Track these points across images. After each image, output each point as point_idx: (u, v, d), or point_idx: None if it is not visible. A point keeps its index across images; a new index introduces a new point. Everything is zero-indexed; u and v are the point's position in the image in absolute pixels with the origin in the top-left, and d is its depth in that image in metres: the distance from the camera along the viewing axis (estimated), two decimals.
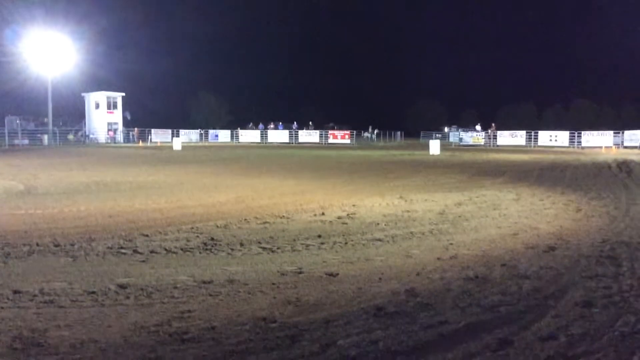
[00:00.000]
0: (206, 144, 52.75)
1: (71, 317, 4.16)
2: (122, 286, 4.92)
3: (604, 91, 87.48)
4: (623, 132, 43.27)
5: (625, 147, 39.88)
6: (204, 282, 5.09)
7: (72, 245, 6.55)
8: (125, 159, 25.61)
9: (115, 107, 52.88)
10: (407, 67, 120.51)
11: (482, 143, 47.98)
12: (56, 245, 6.51)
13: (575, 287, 4.93)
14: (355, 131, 55.32)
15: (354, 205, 10.10)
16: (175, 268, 5.62)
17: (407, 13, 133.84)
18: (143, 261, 5.91)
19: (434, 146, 31.43)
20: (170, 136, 52.42)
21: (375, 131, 62.06)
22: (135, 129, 53.57)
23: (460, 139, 51.13)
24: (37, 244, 6.54)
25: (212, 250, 6.43)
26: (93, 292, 4.75)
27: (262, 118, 63.49)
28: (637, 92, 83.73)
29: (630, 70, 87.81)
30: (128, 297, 4.65)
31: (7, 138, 41.87)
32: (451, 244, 6.90)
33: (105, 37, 63.38)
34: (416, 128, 73.15)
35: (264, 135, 56.03)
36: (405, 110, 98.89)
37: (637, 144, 39.39)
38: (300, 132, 55.80)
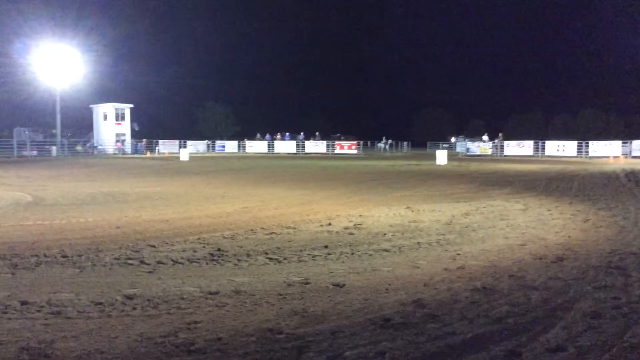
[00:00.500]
0: (213, 154, 52.92)
1: (78, 328, 4.17)
2: (128, 297, 4.93)
3: (612, 100, 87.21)
4: (631, 142, 43.05)
5: (634, 157, 39.64)
6: (211, 293, 5.09)
7: (80, 256, 6.57)
8: (132, 170, 25.72)
9: (123, 118, 53.20)
10: (414, 77, 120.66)
11: (489, 153, 47.88)
12: (64, 256, 6.53)
13: (583, 298, 4.90)
14: (361, 141, 55.36)
15: (360, 216, 10.09)
16: (182, 279, 5.63)
17: (413, 24, 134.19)
18: (150, 272, 5.92)
19: (441, 156, 31.37)
20: (177, 147, 52.60)
21: (389, 141, 61.95)
22: (144, 140, 53.89)
23: (467, 149, 51.04)
24: (45, 255, 6.57)
25: (219, 261, 6.44)
26: (100, 303, 4.76)
27: (269, 128, 63.70)
28: None
29: (639, 78, 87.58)
30: (135, 308, 4.65)
31: (15, 149, 42.20)
32: (458, 254, 6.87)
33: (113, 49, 63.94)
34: (423, 138, 73.17)
35: (270, 146, 56.17)
36: (412, 121, 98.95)
37: None
38: (307, 142, 55.90)
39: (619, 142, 43.88)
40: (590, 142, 44.58)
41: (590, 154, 42.99)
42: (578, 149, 44.27)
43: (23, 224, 9.02)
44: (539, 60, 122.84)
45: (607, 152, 42.15)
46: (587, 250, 7.05)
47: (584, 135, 57.39)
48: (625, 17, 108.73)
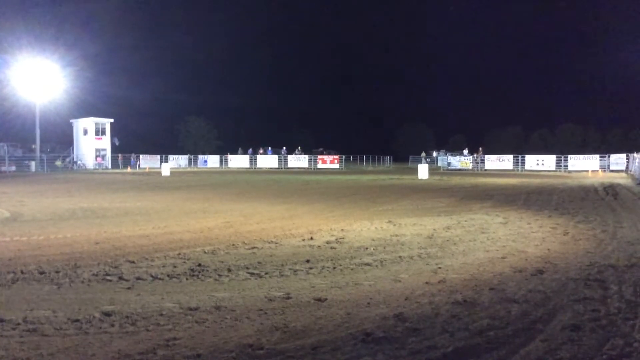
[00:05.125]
0: (195, 169, 52.65)
1: (55, 346, 4.09)
2: (106, 314, 4.85)
3: (590, 115, 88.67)
4: (609, 156, 43.74)
5: (612, 171, 40.27)
6: (190, 309, 5.04)
7: (57, 272, 6.47)
8: (112, 185, 25.47)
9: (103, 133, 52.78)
10: (395, 92, 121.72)
11: (470, 167, 48.27)
12: (41, 273, 6.43)
13: (563, 311, 4.93)
14: (343, 156, 55.45)
15: (342, 230, 10.08)
16: (161, 295, 5.56)
17: (394, 39, 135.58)
18: (128, 288, 5.85)
19: (423, 170, 31.55)
20: (159, 162, 52.30)
21: (424, 155, 63.04)
22: (119, 155, 53.35)
23: (449, 163, 51.43)
24: (22, 272, 6.46)
25: (199, 277, 6.38)
26: (77, 320, 4.68)
27: (251, 143, 63.66)
28: (623, 116, 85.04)
29: (616, 94, 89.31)
30: (113, 325, 4.58)
31: None
32: (440, 268, 6.89)
33: (94, 63, 63.57)
34: (404, 152, 73.56)
35: (253, 161, 56.07)
36: (393, 135, 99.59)
37: (623, 168, 39.78)
38: (289, 157, 55.90)
39: (597, 156, 44.51)
40: (569, 156, 45.17)
41: (569, 167, 43.55)
42: (557, 163, 44.82)
43: (0, 240, 8.87)
44: (518, 76, 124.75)
45: (585, 166, 42.77)
46: (567, 263, 7.11)
47: (562, 149, 58.17)
48: (603, 34, 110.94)
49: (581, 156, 45.50)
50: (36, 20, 61.54)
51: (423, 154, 62.68)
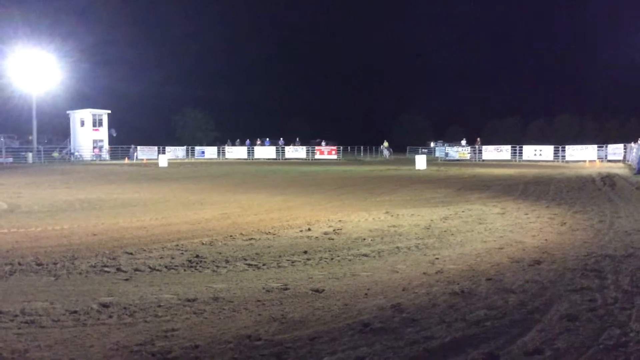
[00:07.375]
0: (192, 160, 52.60)
1: (52, 338, 4.09)
2: (104, 305, 4.85)
3: (587, 105, 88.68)
4: (606, 146, 43.78)
5: (609, 161, 40.31)
6: (188, 300, 5.04)
7: (55, 264, 6.46)
8: (110, 176, 25.43)
9: (100, 124, 52.66)
10: (393, 83, 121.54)
11: (468, 158, 48.29)
12: (38, 265, 6.42)
13: (560, 301, 4.94)
14: (341, 147, 55.44)
15: (340, 221, 10.08)
16: (159, 286, 5.56)
17: (391, 30, 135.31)
18: (126, 279, 5.85)
19: (420, 161, 31.57)
20: (156, 153, 52.22)
21: (386, 145, 61.53)
22: (109, 146, 53.03)
23: (446, 154, 51.45)
24: (19, 264, 6.45)
25: (197, 268, 6.38)
26: (75, 312, 4.68)
27: (248, 134, 63.60)
28: (620, 106, 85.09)
29: (613, 84, 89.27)
30: (110, 317, 4.58)
31: None
32: (437, 258, 6.90)
33: (91, 54, 63.17)
34: (402, 143, 73.51)
35: (250, 152, 56.03)
36: (391, 126, 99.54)
37: (620, 158, 39.82)
38: (287, 148, 55.88)
39: (594, 146, 44.56)
40: (567, 147, 45.21)
41: (567, 158, 43.60)
42: (555, 153, 44.84)
43: None
44: (515, 67, 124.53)
45: (583, 156, 42.81)
46: (564, 253, 7.13)
47: (560, 139, 58.21)
48: (601, 24, 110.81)
49: (579, 146, 45.52)
50: (32, 11, 61.23)
51: (385, 144, 61.26)
